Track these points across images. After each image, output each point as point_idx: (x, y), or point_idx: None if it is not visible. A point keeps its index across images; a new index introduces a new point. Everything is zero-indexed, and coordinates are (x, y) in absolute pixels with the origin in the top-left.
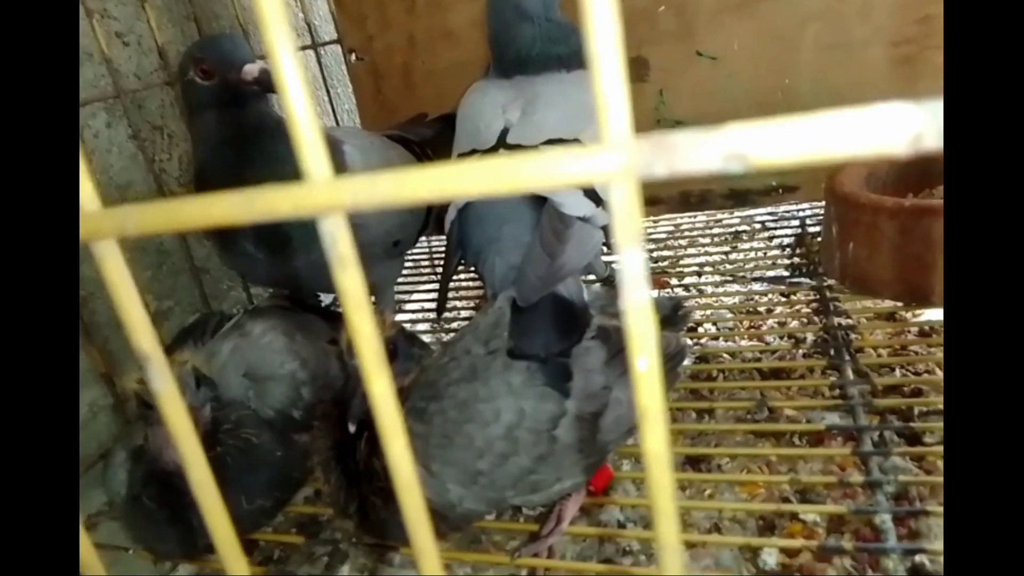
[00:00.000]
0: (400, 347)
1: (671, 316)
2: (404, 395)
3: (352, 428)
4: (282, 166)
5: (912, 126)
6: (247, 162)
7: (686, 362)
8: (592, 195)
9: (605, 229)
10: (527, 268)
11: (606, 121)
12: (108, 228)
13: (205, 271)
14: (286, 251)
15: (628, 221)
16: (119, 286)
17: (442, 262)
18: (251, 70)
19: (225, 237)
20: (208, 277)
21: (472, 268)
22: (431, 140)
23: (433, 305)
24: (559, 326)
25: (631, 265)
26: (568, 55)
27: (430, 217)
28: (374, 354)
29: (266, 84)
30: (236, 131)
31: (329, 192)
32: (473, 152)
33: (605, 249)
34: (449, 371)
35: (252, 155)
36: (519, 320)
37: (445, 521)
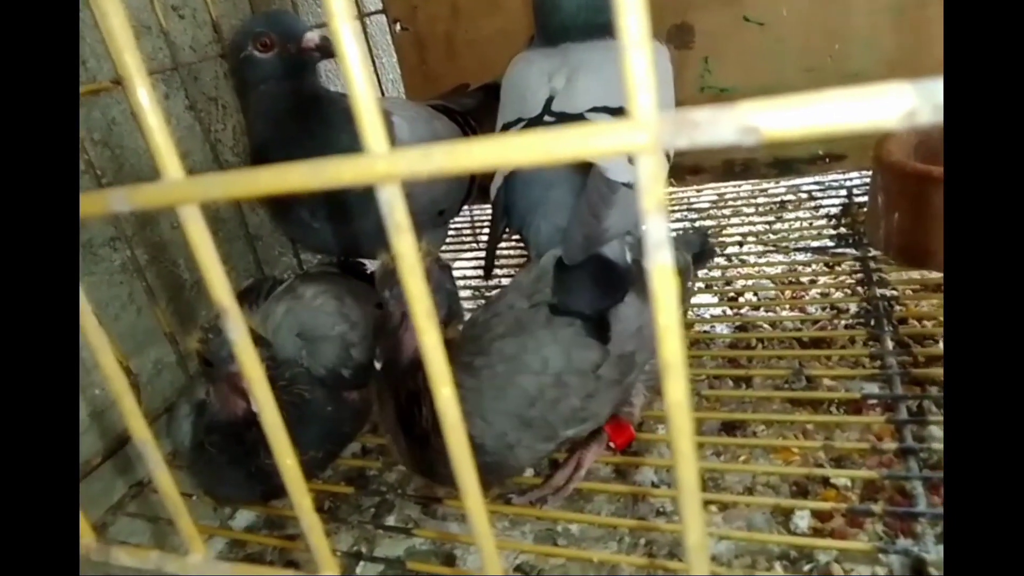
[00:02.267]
0: (434, 275)
1: (703, 244)
2: (450, 350)
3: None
4: (338, 133)
5: (906, 103)
6: (306, 131)
7: (724, 330)
8: None
9: None
10: (574, 228)
11: (634, 101)
12: (192, 194)
13: (258, 238)
14: (338, 220)
15: (653, 189)
16: (200, 246)
17: (484, 231)
18: (312, 37)
19: (281, 205)
20: (261, 244)
21: (516, 234)
22: (473, 110)
23: (475, 273)
24: (602, 286)
25: (655, 229)
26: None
27: (473, 187)
28: (425, 311)
29: (326, 50)
30: (294, 101)
31: (388, 163)
32: (519, 120)
33: None
34: (493, 327)
35: (311, 124)
36: (564, 278)
37: (494, 472)
